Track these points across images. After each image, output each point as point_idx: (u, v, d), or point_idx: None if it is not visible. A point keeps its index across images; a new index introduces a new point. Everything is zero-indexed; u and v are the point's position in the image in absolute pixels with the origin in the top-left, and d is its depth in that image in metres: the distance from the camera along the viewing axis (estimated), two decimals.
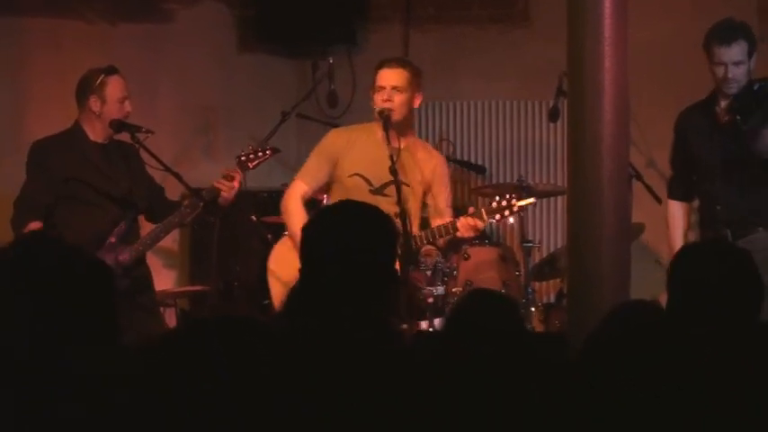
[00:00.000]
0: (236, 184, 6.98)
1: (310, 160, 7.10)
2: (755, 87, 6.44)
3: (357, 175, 6.91)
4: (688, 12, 6.97)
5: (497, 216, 6.92)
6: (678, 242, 6.57)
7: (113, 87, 7.02)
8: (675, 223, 6.65)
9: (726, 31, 6.51)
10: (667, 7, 7.55)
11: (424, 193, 7.03)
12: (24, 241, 4.66)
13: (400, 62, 7.10)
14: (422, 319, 6.85)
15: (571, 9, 5.74)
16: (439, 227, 6.89)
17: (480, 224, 6.86)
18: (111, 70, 7.04)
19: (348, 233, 3.78)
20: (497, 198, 6.98)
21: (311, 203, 7.08)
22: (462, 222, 6.81)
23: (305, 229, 3.93)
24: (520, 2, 9.06)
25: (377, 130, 6.95)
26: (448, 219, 6.97)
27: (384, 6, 9.30)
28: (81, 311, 3.81)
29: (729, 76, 6.44)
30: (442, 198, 7.06)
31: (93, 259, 4.21)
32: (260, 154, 7.14)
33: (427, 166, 7.04)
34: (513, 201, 6.94)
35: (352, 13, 9.16)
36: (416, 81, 6.99)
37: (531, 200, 7.07)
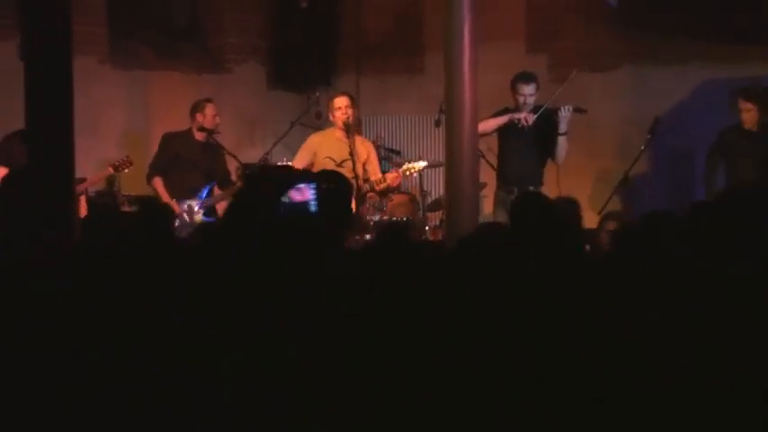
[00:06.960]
0: None
1: (300, 153, 6.98)
2: (542, 110, 6.55)
3: (328, 157, 6.85)
4: (512, 68, 6.92)
5: (408, 173, 6.97)
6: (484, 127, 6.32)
7: (210, 109, 7.11)
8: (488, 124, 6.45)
9: (527, 76, 6.62)
10: (501, 67, 7.42)
11: (364, 164, 6.91)
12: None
13: (345, 93, 7.08)
14: (367, 233, 6.78)
15: (446, 66, 5.74)
16: (377, 180, 6.86)
17: (400, 177, 6.94)
18: (209, 99, 7.15)
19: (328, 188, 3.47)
20: (406, 164, 6.98)
21: None
22: (391, 177, 6.86)
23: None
24: (418, 61, 9.02)
25: (335, 132, 6.91)
26: (380, 176, 6.97)
27: (345, 65, 9.27)
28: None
29: (527, 102, 6.55)
30: (372, 166, 7.00)
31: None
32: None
33: (364, 151, 6.97)
34: (414, 165, 6.97)
35: (327, 68, 9.15)
36: (354, 101, 7.01)
37: (425, 163, 7.09)
